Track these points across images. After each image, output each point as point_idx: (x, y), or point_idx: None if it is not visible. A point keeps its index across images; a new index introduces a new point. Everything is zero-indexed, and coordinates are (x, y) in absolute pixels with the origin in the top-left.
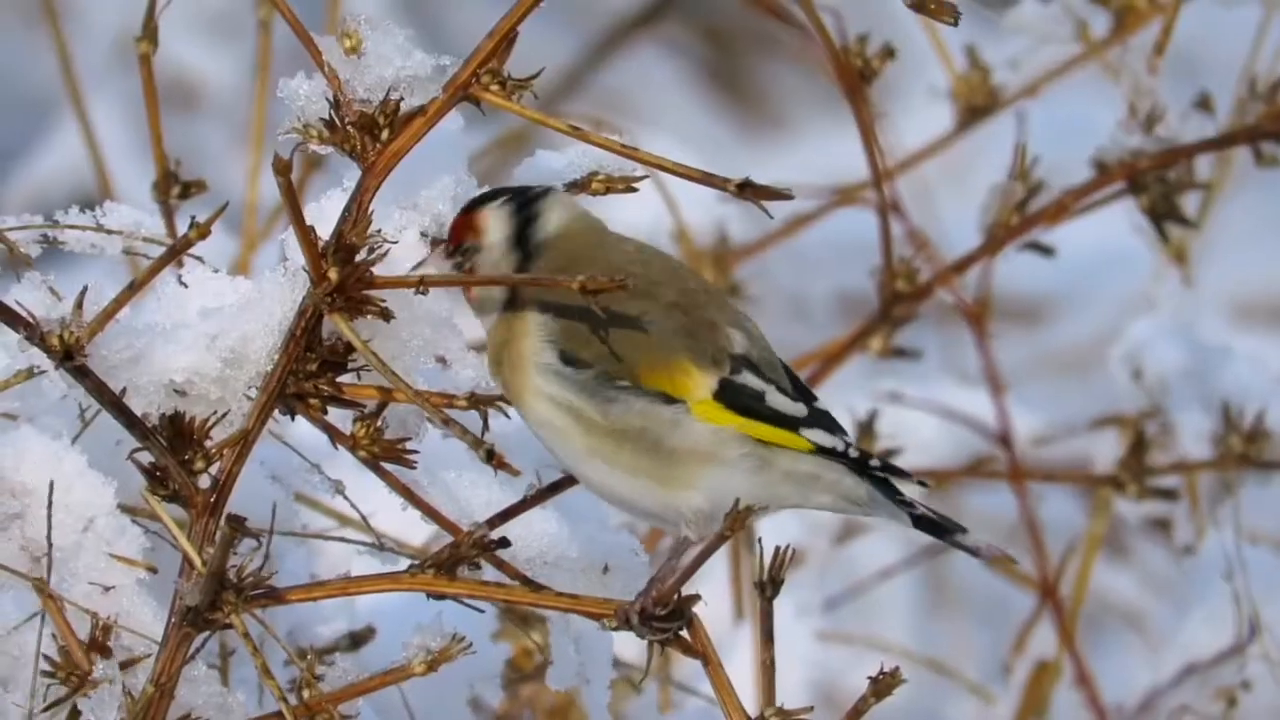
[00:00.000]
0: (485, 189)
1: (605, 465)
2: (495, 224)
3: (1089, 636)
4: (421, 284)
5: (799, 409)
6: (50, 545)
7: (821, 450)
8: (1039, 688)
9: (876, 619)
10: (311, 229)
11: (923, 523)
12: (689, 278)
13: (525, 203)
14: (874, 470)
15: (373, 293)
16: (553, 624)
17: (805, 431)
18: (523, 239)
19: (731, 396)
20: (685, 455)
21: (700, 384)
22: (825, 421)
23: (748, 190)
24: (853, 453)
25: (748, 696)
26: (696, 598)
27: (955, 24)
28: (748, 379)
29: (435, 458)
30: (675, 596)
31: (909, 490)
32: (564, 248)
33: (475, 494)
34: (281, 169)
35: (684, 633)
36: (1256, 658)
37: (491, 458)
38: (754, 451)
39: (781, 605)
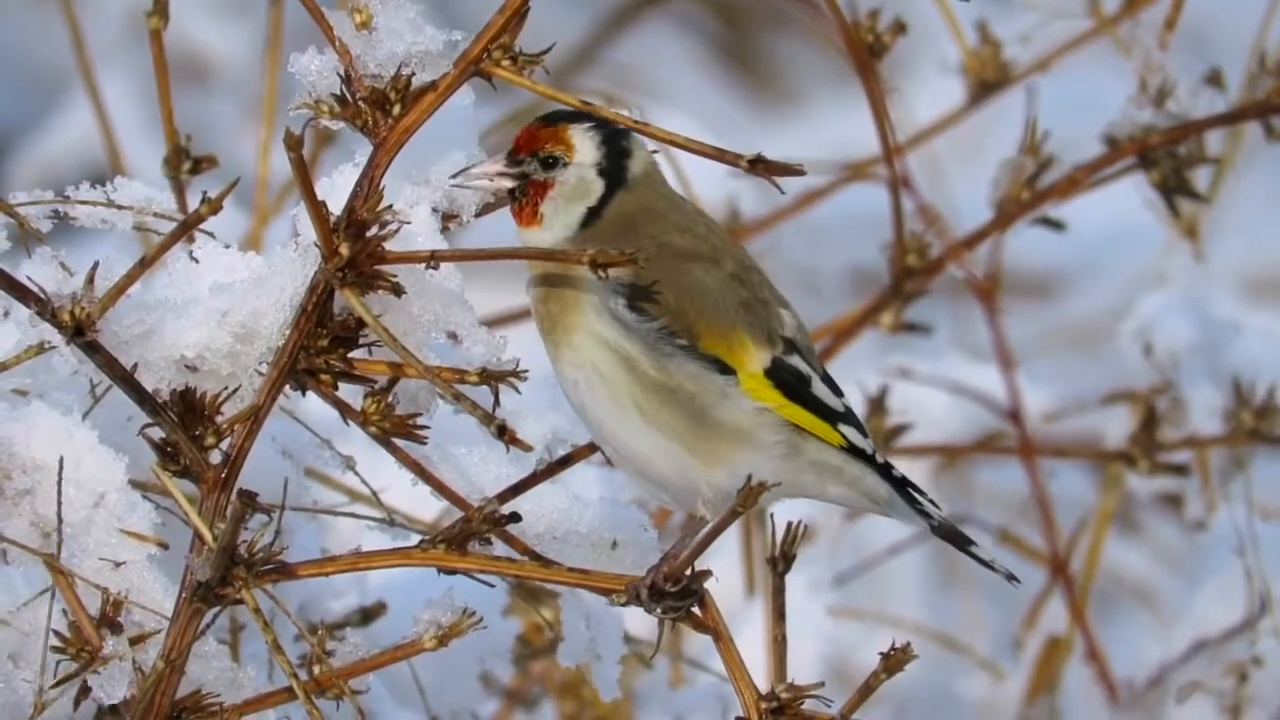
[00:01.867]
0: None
1: (640, 420)
2: (585, 145)
3: (1100, 612)
4: (433, 259)
5: (838, 403)
6: (60, 520)
7: (851, 449)
8: (1050, 663)
9: (888, 595)
10: (323, 204)
11: (941, 531)
12: (740, 251)
13: (614, 135)
14: (896, 477)
15: (384, 268)
16: (563, 600)
17: (842, 427)
18: (615, 171)
19: (780, 376)
20: (725, 431)
21: (754, 358)
22: (856, 422)
23: (759, 166)
24: (879, 459)
25: (759, 672)
26: (708, 573)
27: None
28: (797, 362)
29: (446, 433)
30: (686, 572)
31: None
32: (640, 194)
33: (485, 469)
34: (293, 144)
35: (695, 609)
36: (1267, 633)
37: (503, 433)
38: (788, 439)
39: (793, 581)
